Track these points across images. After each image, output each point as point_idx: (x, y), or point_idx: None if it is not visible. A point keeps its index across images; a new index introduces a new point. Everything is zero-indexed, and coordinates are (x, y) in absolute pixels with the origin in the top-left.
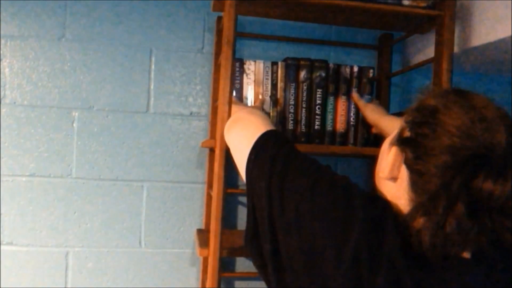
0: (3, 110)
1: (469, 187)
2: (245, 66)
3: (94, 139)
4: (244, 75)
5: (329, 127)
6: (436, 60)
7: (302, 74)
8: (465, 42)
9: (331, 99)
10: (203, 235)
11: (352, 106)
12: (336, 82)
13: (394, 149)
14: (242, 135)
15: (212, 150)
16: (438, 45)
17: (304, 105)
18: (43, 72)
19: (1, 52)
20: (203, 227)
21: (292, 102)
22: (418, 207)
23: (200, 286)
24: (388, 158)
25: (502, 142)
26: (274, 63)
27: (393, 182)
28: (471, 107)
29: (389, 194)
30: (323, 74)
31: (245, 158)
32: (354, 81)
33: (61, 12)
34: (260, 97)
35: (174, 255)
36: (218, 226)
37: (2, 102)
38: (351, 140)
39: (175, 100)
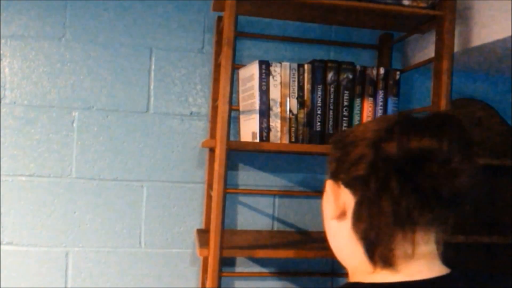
0: (3, 110)
1: (384, 159)
2: (271, 68)
3: (94, 139)
4: (270, 77)
5: None
6: (436, 60)
7: (329, 76)
8: (465, 42)
9: (357, 101)
10: (203, 235)
11: (379, 108)
12: (362, 84)
13: (330, 183)
14: None
15: (212, 150)
16: (438, 45)
17: (331, 107)
18: (43, 72)
19: (1, 52)
20: (203, 227)
21: (319, 103)
22: (359, 207)
23: (200, 286)
24: (329, 193)
25: (402, 118)
26: (301, 65)
27: (344, 219)
28: (371, 120)
29: (342, 235)
30: (350, 76)
31: None
32: (380, 83)
33: (61, 12)
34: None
35: (174, 255)
36: (218, 226)
37: (2, 102)
38: None
39: (175, 100)
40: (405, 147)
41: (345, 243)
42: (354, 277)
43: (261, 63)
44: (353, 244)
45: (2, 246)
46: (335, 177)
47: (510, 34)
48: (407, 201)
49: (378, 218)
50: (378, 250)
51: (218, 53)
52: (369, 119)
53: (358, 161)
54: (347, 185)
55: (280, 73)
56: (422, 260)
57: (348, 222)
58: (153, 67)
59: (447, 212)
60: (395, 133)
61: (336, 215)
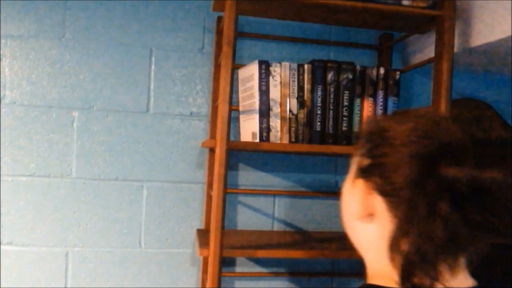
0: (3, 110)
1: (441, 180)
2: (271, 68)
3: (94, 139)
4: (270, 77)
5: (356, 129)
6: (436, 60)
7: (329, 76)
8: (465, 42)
9: (357, 101)
10: (203, 235)
11: (379, 108)
12: (362, 84)
13: (360, 182)
14: None
15: (212, 150)
16: (438, 45)
17: (331, 107)
18: (43, 72)
19: (1, 52)
20: (203, 227)
21: (319, 103)
22: (400, 227)
23: (200, 286)
24: (356, 193)
25: (458, 135)
26: (300, 65)
27: (371, 221)
28: (415, 117)
29: (368, 238)
30: (350, 76)
31: None
32: (380, 83)
33: (61, 12)
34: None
35: (174, 255)
36: (218, 226)
37: (2, 102)
38: None
39: (175, 100)
40: (474, 176)
41: (369, 247)
42: (374, 279)
43: (260, 63)
44: (380, 251)
45: (2, 246)
46: (367, 177)
47: (510, 34)
48: (462, 230)
49: (425, 244)
50: (417, 273)
51: (218, 53)
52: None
53: (400, 172)
54: (382, 193)
55: (280, 73)
56: (455, 273)
57: (374, 226)
58: (153, 67)
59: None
60: (457, 155)
61: (362, 216)
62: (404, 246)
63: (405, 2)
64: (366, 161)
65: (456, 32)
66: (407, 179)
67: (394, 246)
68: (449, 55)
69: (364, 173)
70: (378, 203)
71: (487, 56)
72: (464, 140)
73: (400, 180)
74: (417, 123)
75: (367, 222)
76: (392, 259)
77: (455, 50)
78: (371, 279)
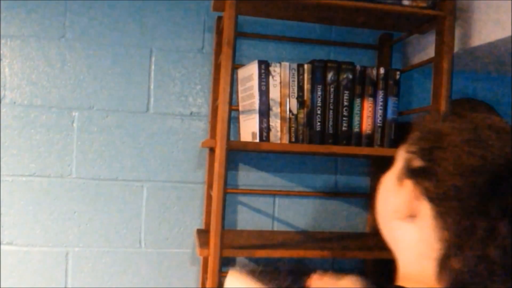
0: (3, 110)
1: (505, 203)
2: (271, 68)
3: (94, 139)
4: (270, 77)
5: (356, 129)
6: (436, 60)
7: (329, 76)
8: (465, 42)
9: (357, 101)
10: (203, 235)
11: (379, 107)
12: (362, 84)
13: (409, 183)
14: None
15: (212, 150)
16: (438, 45)
17: (331, 107)
18: (43, 72)
19: (1, 52)
20: (203, 227)
21: (319, 103)
22: (452, 242)
23: (200, 286)
24: (402, 194)
25: None
26: (300, 65)
27: (411, 222)
28: (477, 126)
29: (406, 239)
30: (350, 76)
31: None
32: (380, 83)
33: (61, 12)
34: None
35: (174, 255)
36: (218, 226)
37: (2, 102)
38: (378, 142)
39: (175, 100)
40: None
41: (405, 248)
42: (406, 282)
43: (260, 63)
44: (417, 254)
45: (2, 246)
46: (417, 180)
47: (510, 34)
48: None
49: (480, 265)
50: None
51: (218, 53)
52: (369, 119)
53: (457, 185)
54: (432, 200)
55: (280, 73)
56: None
57: (415, 228)
58: (153, 67)
59: None
60: None
61: (403, 217)
62: (455, 263)
63: (405, 2)
64: (417, 162)
65: (456, 32)
66: (466, 195)
67: (444, 261)
68: (449, 55)
69: (414, 175)
70: (425, 208)
71: (487, 56)
72: None
73: (457, 194)
74: (481, 134)
75: (407, 222)
76: (440, 273)
77: (455, 50)
78: (403, 281)
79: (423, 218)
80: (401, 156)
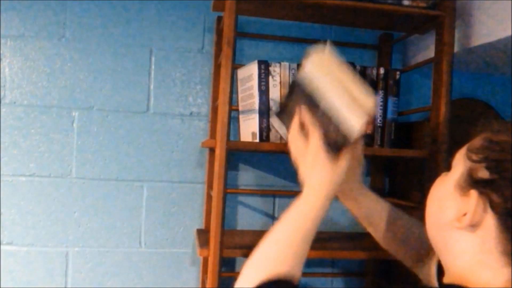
0: (3, 110)
1: None
2: (271, 68)
3: (94, 139)
4: (270, 77)
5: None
6: (436, 60)
7: None
8: (465, 42)
9: None
10: (203, 235)
11: (379, 108)
12: None
13: (474, 193)
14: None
15: (212, 150)
16: (438, 45)
17: None
18: (43, 72)
19: (1, 52)
20: (203, 227)
21: None
22: None
23: (200, 286)
24: (466, 204)
25: None
26: (300, 65)
27: (472, 232)
28: None
29: (463, 247)
30: None
31: None
32: (380, 83)
33: (61, 12)
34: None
35: (174, 255)
36: (218, 226)
37: (2, 102)
38: (378, 142)
39: (175, 100)
40: None
41: (462, 255)
42: (464, 280)
43: (260, 63)
44: (481, 264)
45: (2, 246)
46: (483, 192)
47: (510, 34)
48: None
49: None
50: None
51: (218, 53)
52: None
53: None
54: (500, 213)
55: (280, 73)
56: None
57: (476, 238)
58: (153, 67)
59: None
60: None
61: (465, 226)
62: None
63: (405, 2)
64: (484, 173)
65: (456, 32)
66: None
67: None
68: (449, 55)
69: (480, 186)
70: (489, 219)
71: (487, 56)
72: None
73: None
74: None
75: (467, 231)
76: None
77: (455, 50)
78: (461, 282)
79: (487, 229)
80: (462, 164)
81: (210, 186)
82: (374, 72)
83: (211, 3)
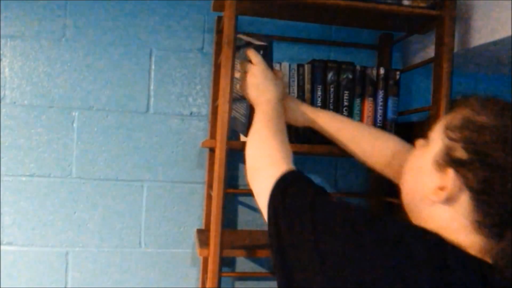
0: (3, 110)
1: None
2: None
3: (94, 139)
4: None
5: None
6: (436, 60)
7: (329, 76)
8: (465, 42)
9: (357, 101)
10: (203, 235)
11: (379, 108)
12: (362, 84)
13: (451, 171)
14: (261, 186)
15: (212, 150)
16: (438, 45)
17: (331, 107)
18: (43, 72)
19: (1, 52)
20: (203, 227)
21: (319, 103)
22: (490, 229)
23: (200, 286)
24: (443, 180)
25: None
26: (300, 65)
27: (447, 205)
28: None
29: (437, 219)
30: (350, 76)
31: (265, 200)
32: (381, 83)
33: (61, 12)
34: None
35: (174, 255)
36: (218, 226)
37: (2, 102)
38: None
39: (175, 100)
40: None
41: (442, 225)
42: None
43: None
44: (455, 233)
45: (2, 246)
46: (459, 171)
47: (510, 34)
48: None
49: None
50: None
51: (218, 53)
52: (369, 119)
53: (498, 182)
54: (475, 194)
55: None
56: None
57: (451, 210)
58: (153, 67)
59: None
60: None
61: (441, 200)
62: (495, 245)
63: (405, 2)
64: (461, 153)
65: (456, 32)
66: (507, 191)
67: (486, 242)
68: (449, 55)
69: (457, 165)
70: (465, 196)
71: (487, 56)
72: None
73: (498, 188)
74: None
75: (442, 204)
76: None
77: (455, 50)
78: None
79: (461, 204)
80: (441, 139)
81: (210, 186)
82: (374, 72)
83: (211, 3)
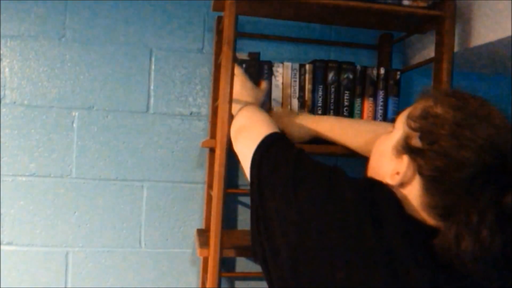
0: (3, 110)
1: (497, 201)
2: (274, 69)
3: (94, 139)
4: (273, 77)
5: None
6: (436, 60)
7: (330, 76)
8: (465, 42)
9: (358, 101)
10: (203, 235)
11: (379, 108)
12: (362, 84)
13: (406, 159)
14: (247, 143)
15: (212, 150)
16: (438, 45)
17: (332, 107)
18: (43, 72)
19: (1, 52)
20: (203, 227)
21: (320, 103)
22: (436, 213)
23: (200, 286)
24: (398, 166)
25: None
26: (302, 66)
27: (401, 188)
28: (474, 115)
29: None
30: (351, 76)
31: (249, 163)
32: (381, 83)
33: (61, 12)
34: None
35: (174, 255)
36: (218, 226)
37: (2, 102)
38: None
39: (175, 100)
40: None
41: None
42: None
43: (263, 63)
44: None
45: (2, 246)
46: (414, 158)
47: (510, 34)
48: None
49: (480, 243)
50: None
51: (218, 53)
52: (369, 119)
53: (447, 172)
54: (425, 180)
55: (282, 73)
56: None
57: (404, 192)
58: (153, 67)
59: None
60: None
61: (396, 183)
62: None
63: (405, 2)
64: (416, 142)
65: (456, 32)
66: (462, 185)
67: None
68: (449, 55)
69: (413, 153)
70: (417, 181)
71: (487, 56)
72: None
73: (452, 181)
74: (476, 128)
75: (397, 186)
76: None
77: (455, 50)
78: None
79: (413, 188)
80: (402, 127)
81: (210, 186)
82: (375, 72)
83: (211, 3)
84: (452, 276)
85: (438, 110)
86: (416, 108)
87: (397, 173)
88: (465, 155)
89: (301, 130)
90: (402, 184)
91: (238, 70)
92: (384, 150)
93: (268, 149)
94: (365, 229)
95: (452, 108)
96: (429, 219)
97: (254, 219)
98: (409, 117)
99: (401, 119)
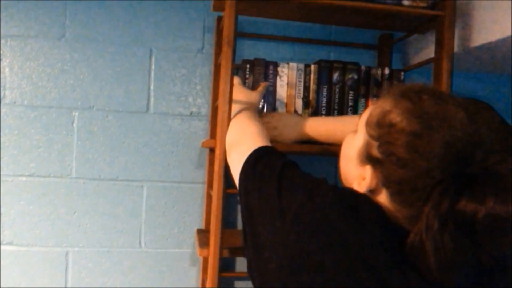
0: (3, 110)
1: (454, 209)
2: (279, 69)
3: (94, 139)
4: (278, 78)
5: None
6: (436, 60)
7: (335, 76)
8: (465, 42)
9: (362, 101)
10: (203, 235)
11: None
12: (367, 84)
13: (369, 169)
14: (237, 158)
15: (212, 150)
16: (438, 45)
17: (336, 107)
18: (43, 72)
19: (1, 52)
20: (203, 227)
21: (324, 104)
22: (413, 219)
23: (200, 286)
24: (363, 173)
25: (479, 158)
26: (307, 66)
27: (371, 194)
28: (441, 121)
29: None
30: (355, 77)
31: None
32: (385, 83)
33: (61, 12)
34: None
35: (174, 255)
36: (218, 226)
37: (2, 102)
38: None
39: (175, 100)
40: (490, 213)
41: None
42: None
43: (268, 63)
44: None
45: (2, 246)
46: (375, 168)
47: (510, 34)
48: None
49: (443, 251)
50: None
51: (218, 53)
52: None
53: (414, 186)
54: (388, 190)
55: (287, 73)
56: None
57: (375, 198)
58: (153, 67)
59: None
60: (478, 189)
61: (364, 189)
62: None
63: (405, 2)
64: (376, 152)
65: (456, 32)
66: (421, 194)
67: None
68: (449, 55)
69: (373, 163)
70: (383, 192)
71: (487, 56)
72: (485, 166)
73: (403, 189)
74: (429, 140)
75: (367, 192)
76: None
77: (455, 50)
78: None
79: (382, 196)
80: (364, 133)
81: (210, 186)
82: (379, 72)
83: (211, 3)
84: (425, 281)
85: (394, 116)
86: (373, 112)
87: (364, 179)
88: (423, 165)
89: (294, 131)
90: (371, 192)
91: (235, 80)
92: (350, 155)
93: (254, 165)
94: (346, 236)
95: (407, 114)
96: (405, 224)
97: (242, 232)
98: (367, 124)
99: (362, 124)
